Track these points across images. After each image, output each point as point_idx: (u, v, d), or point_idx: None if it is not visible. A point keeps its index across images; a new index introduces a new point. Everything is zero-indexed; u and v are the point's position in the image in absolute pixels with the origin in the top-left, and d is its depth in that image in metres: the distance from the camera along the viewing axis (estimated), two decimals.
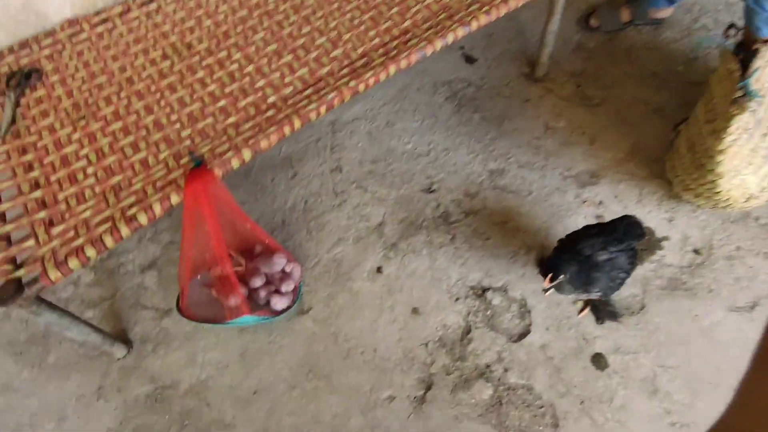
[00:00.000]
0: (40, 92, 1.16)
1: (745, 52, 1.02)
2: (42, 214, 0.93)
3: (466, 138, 1.38)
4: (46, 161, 1.02)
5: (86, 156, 1.03)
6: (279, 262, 1.10)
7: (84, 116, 1.10)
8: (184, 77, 1.16)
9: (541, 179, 1.28)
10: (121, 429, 1.04)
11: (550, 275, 0.89)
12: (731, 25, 1.17)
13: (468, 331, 1.07)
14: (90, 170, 1.00)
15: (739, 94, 0.96)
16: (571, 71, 1.51)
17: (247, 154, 0.97)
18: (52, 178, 0.99)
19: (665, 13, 1.57)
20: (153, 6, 1.34)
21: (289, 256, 1.12)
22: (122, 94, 1.14)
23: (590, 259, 0.90)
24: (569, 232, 1.02)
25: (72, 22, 1.30)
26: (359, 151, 1.39)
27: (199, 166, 0.95)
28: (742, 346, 1.02)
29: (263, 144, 0.98)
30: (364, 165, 1.36)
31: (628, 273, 0.95)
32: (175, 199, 0.92)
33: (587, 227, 0.99)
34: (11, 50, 1.22)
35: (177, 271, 1.21)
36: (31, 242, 0.89)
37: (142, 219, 0.90)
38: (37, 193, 0.96)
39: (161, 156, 1.01)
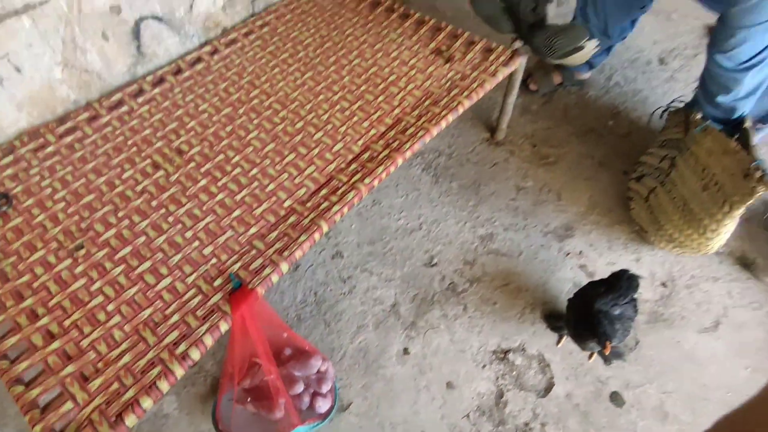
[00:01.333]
0: (16, 221, 1.06)
1: (738, 132, 1.25)
2: (70, 369, 0.85)
3: (450, 208, 1.50)
4: (51, 304, 0.94)
5: (101, 290, 0.96)
6: (315, 364, 1.10)
7: (82, 245, 1.03)
8: (186, 188, 1.14)
9: (526, 239, 1.43)
10: None
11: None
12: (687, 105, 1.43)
13: (501, 394, 1.16)
14: (110, 307, 0.94)
15: (759, 174, 1.08)
16: (524, 133, 1.71)
17: (285, 267, 0.98)
18: (67, 323, 0.92)
19: (586, 75, 1.85)
20: (124, 109, 1.30)
21: (322, 356, 1.12)
22: (120, 214, 1.09)
23: (607, 316, 1.03)
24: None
25: (32, 135, 1.21)
26: (354, 233, 1.44)
27: (239, 288, 0.94)
28: (717, 362, 1.22)
29: (298, 254, 1.00)
30: (363, 247, 1.41)
31: (633, 320, 1.10)
32: (224, 327, 0.90)
33: (593, 284, 1.13)
34: None
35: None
36: (68, 404, 0.81)
37: (195, 354, 0.87)
38: (55, 345, 0.88)
39: (189, 280, 0.98)
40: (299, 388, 1.08)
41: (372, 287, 1.33)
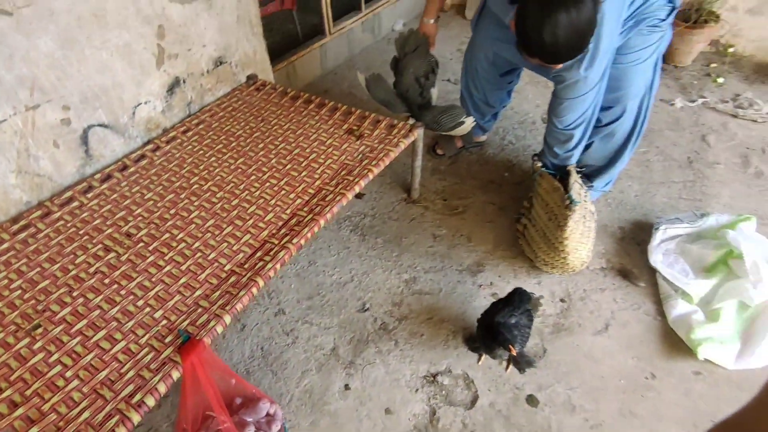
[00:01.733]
0: None
1: (561, 174, 1.60)
2: (35, 430, 0.94)
3: (377, 260, 1.71)
4: (13, 378, 1.04)
5: (59, 361, 1.07)
6: (263, 407, 1.22)
7: (39, 324, 1.14)
8: (136, 264, 1.29)
9: (444, 278, 1.66)
10: None
11: (511, 346, 1.19)
12: (535, 155, 1.79)
13: (434, 412, 1.31)
14: (69, 374, 1.05)
15: (567, 202, 1.47)
16: (436, 190, 2.00)
17: (227, 319, 1.14)
18: (28, 392, 1.02)
19: (483, 138, 2.22)
20: (74, 204, 1.46)
21: (270, 399, 1.24)
22: (75, 293, 1.22)
23: (505, 326, 1.25)
24: (480, 311, 1.38)
25: None
26: (294, 292, 1.61)
27: (188, 340, 1.08)
28: (610, 356, 1.44)
29: (239, 307, 1.16)
30: (302, 302, 1.58)
31: (530, 327, 1.32)
32: (176, 374, 1.03)
33: (494, 304, 1.35)
34: None
35: None
36: None
37: (150, 401, 0.99)
38: (19, 411, 0.98)
39: (142, 341, 1.11)
40: (250, 431, 1.18)
41: (313, 336, 1.48)
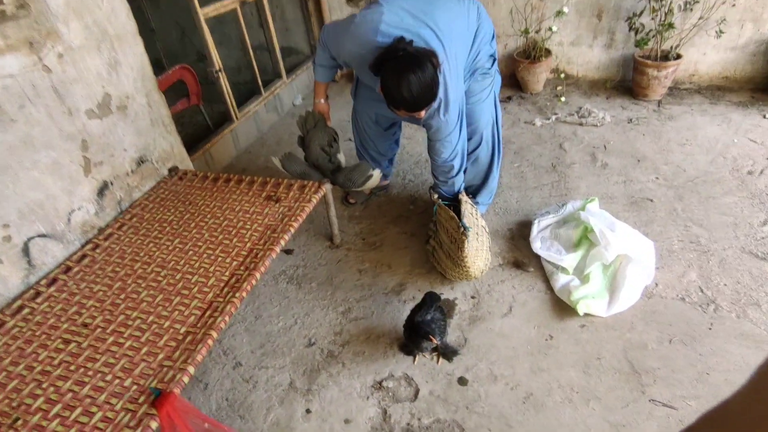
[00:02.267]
0: None
1: (454, 204, 1.96)
2: None
3: (315, 301, 1.96)
4: None
5: None
6: None
7: (18, 417, 1.26)
8: (98, 347, 1.44)
9: (374, 302, 1.93)
10: None
11: (432, 337, 1.47)
12: (431, 187, 2.16)
13: (385, 412, 1.54)
14: None
15: (462, 229, 1.80)
16: (355, 233, 2.31)
17: (191, 369, 1.33)
18: None
19: (385, 182, 2.58)
20: (26, 311, 1.59)
21: None
22: (44, 385, 1.35)
23: (423, 322, 1.53)
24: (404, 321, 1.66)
25: None
26: (246, 345, 1.80)
27: (160, 394, 1.25)
28: (517, 331, 1.77)
29: (199, 358, 1.36)
30: (256, 352, 1.77)
31: (446, 320, 1.62)
32: (154, 425, 1.19)
33: (413, 310, 1.64)
34: None
35: None
36: None
37: None
38: None
39: (118, 407, 1.27)
40: None
41: (270, 377, 1.67)
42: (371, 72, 1.62)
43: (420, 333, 1.50)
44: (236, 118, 3.08)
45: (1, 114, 1.56)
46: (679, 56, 3.08)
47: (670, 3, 2.91)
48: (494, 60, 1.93)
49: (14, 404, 1.29)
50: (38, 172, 1.69)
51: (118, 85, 1.97)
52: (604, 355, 1.64)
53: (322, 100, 2.12)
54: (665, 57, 3.09)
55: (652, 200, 2.33)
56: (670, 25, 2.92)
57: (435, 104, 1.68)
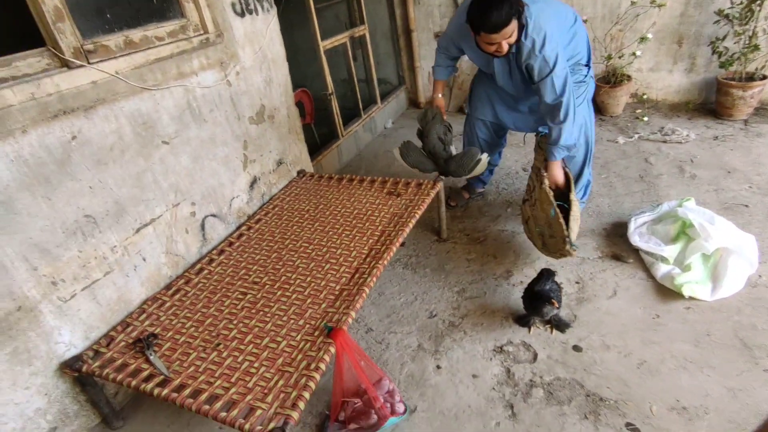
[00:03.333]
0: (166, 345, 1.59)
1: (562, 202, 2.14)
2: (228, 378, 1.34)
3: (431, 282, 2.21)
4: (218, 373, 1.44)
5: (245, 359, 1.48)
6: (386, 384, 1.62)
7: (219, 342, 1.57)
8: (270, 298, 1.76)
9: (485, 285, 2.15)
10: None
11: (554, 300, 1.68)
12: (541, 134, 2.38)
13: (508, 370, 1.73)
14: (256, 364, 1.46)
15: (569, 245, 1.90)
16: (459, 229, 2.56)
17: (353, 314, 1.60)
18: (234, 378, 1.41)
19: (482, 189, 2.84)
20: (205, 272, 1.94)
21: (389, 378, 1.65)
22: (234, 321, 1.67)
23: (543, 290, 1.74)
24: (518, 302, 1.86)
25: (152, 300, 1.79)
26: (374, 315, 2.06)
27: (332, 330, 1.53)
28: (623, 311, 1.91)
29: (358, 306, 1.63)
30: (383, 320, 2.03)
31: (560, 292, 1.81)
32: (332, 350, 1.46)
33: (530, 282, 1.85)
34: (123, 328, 1.65)
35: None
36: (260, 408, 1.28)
37: (323, 366, 1.40)
38: (215, 357, 1.37)
39: (297, 338, 1.55)
40: (380, 402, 1.57)
41: (399, 340, 1.91)
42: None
43: (543, 298, 1.71)
44: (341, 135, 3.48)
45: (200, 116, 1.98)
46: (765, 77, 3.19)
47: (755, 27, 3.06)
48: (589, 68, 2.18)
49: (213, 333, 1.61)
50: (216, 163, 2.10)
51: (270, 98, 2.40)
52: (714, 333, 1.75)
53: (440, 95, 2.47)
54: (750, 78, 3.21)
55: (747, 206, 2.43)
56: (756, 47, 3.06)
57: (528, 43, 1.87)
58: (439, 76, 2.43)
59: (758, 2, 2.99)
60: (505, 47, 1.85)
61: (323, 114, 3.41)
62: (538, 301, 1.73)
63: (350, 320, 1.58)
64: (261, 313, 1.69)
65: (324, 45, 3.16)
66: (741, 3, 3.05)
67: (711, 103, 3.54)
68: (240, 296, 1.79)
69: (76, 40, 1.52)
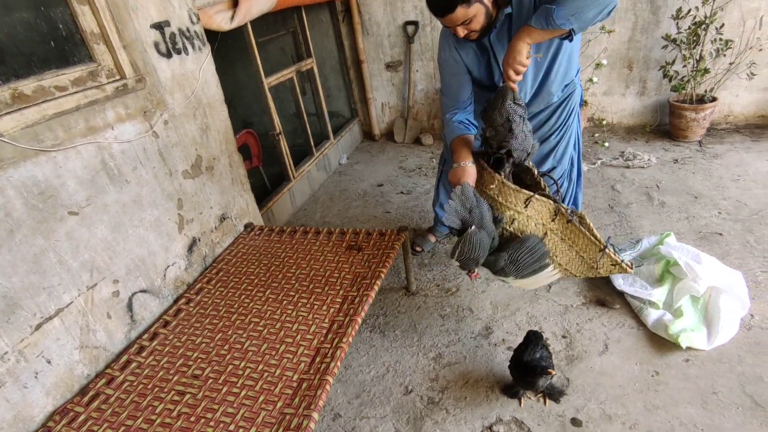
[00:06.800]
0: None
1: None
2: None
3: (403, 348, 1.94)
4: None
5: None
6: None
7: None
8: (213, 398, 1.45)
9: (463, 347, 1.91)
10: None
11: (550, 370, 1.45)
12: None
13: None
14: None
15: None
16: (428, 279, 2.32)
17: (316, 416, 1.31)
18: None
19: (447, 231, 2.63)
20: (133, 365, 1.60)
21: None
22: None
23: (533, 360, 1.52)
24: (502, 365, 1.63)
25: (62, 413, 1.44)
26: (342, 395, 1.77)
27: None
28: (618, 369, 1.72)
29: (321, 403, 1.34)
30: (353, 402, 1.74)
31: (551, 357, 1.59)
32: None
33: (516, 349, 1.62)
34: None
35: None
36: None
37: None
38: None
39: None
40: None
41: (373, 427, 1.63)
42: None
43: (537, 371, 1.48)
44: (293, 177, 3.20)
45: (120, 176, 1.66)
46: (714, 99, 3.21)
47: (701, 51, 3.08)
48: (577, 71, 1.94)
49: None
50: (143, 229, 1.77)
51: (208, 147, 2.10)
52: (720, 390, 1.59)
53: (470, 162, 1.69)
54: (701, 100, 3.22)
55: (721, 234, 2.34)
56: (706, 71, 3.07)
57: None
58: (454, 131, 1.79)
59: (703, 27, 3.02)
60: (461, 33, 1.57)
61: (272, 153, 3.13)
62: (531, 375, 1.51)
63: (313, 425, 1.29)
64: (202, 421, 1.36)
65: (269, 81, 2.90)
66: (688, 28, 3.06)
67: (665, 125, 3.54)
68: (176, 397, 1.46)
69: None
